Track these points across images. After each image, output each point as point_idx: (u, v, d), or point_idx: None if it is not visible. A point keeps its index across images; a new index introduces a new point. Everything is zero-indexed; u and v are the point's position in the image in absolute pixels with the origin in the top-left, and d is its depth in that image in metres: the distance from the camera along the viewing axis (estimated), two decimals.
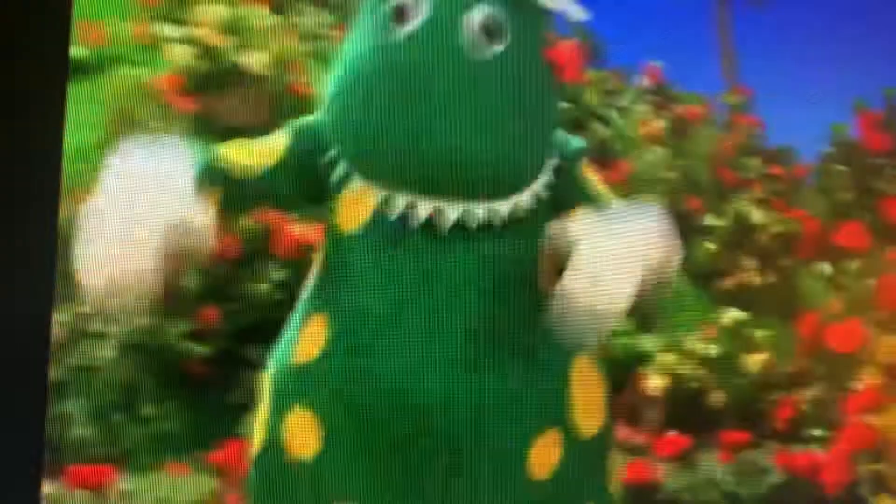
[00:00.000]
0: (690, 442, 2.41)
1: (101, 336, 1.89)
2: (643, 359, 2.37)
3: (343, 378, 1.33)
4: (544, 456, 1.31)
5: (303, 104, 2.06)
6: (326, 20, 2.18)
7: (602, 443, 1.39)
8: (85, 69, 2.12)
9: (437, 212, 1.31)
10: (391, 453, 1.31)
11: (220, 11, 2.16)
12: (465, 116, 1.31)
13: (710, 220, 2.53)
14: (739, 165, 2.60)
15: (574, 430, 1.34)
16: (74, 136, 2.12)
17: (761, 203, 2.58)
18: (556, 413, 1.33)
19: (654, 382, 2.37)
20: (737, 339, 2.50)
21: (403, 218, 1.32)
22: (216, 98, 2.11)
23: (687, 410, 2.42)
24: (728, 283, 2.52)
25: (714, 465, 2.43)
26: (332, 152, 1.35)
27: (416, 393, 1.30)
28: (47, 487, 2.04)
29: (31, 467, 1.87)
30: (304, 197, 1.43)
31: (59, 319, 1.98)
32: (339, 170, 1.35)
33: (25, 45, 1.83)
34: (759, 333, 2.52)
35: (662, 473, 2.39)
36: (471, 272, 1.34)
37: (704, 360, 2.44)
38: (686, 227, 2.54)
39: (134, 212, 1.20)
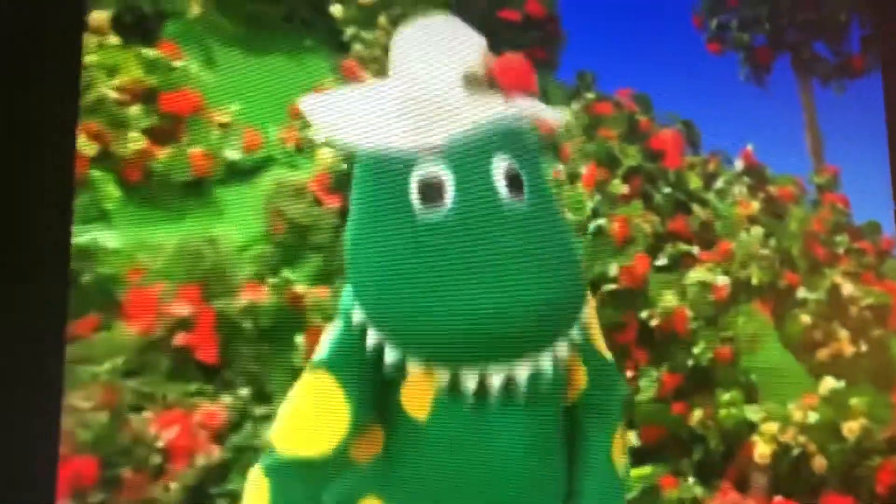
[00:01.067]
0: None
1: (265, 418, 2.03)
2: (750, 428, 2.40)
3: None
4: None
5: None
6: None
7: None
8: (242, 172, 2.28)
9: (507, 379, 1.29)
10: None
11: None
12: (532, 272, 1.29)
13: (804, 293, 2.59)
14: (829, 241, 2.67)
15: None
16: (235, 233, 2.24)
17: (851, 276, 2.67)
18: None
19: (761, 450, 2.40)
20: (834, 406, 2.52)
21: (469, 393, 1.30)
22: None
23: (792, 476, 2.44)
24: (823, 353, 2.57)
25: None
26: (377, 344, 1.31)
27: None
28: None
29: None
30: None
31: (225, 403, 2.14)
32: (392, 358, 1.31)
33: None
34: (855, 401, 2.53)
35: None
36: (526, 435, 1.34)
37: (805, 428, 2.46)
38: (784, 301, 2.65)
39: None
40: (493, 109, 1.35)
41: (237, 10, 2.18)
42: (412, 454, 1.37)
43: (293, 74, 2.30)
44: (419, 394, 1.35)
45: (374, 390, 1.34)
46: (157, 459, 1.95)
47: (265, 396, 2.05)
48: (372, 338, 1.32)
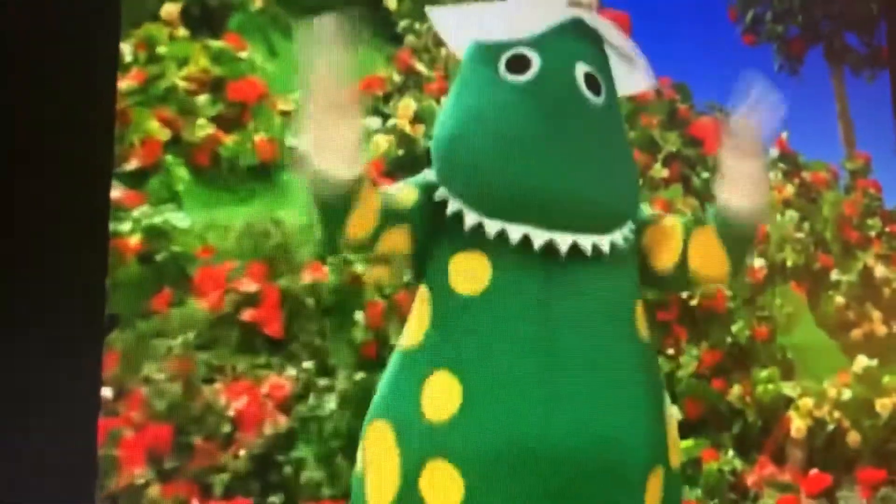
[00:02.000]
0: (832, 480, 2.48)
1: (328, 389, 2.10)
2: (787, 403, 2.45)
3: (487, 434, 1.36)
4: (654, 491, 1.39)
5: None
6: None
7: (681, 476, 1.48)
8: None
9: (551, 243, 1.34)
10: (532, 493, 1.34)
11: (411, 104, 2.38)
12: (593, 157, 1.39)
13: (838, 275, 2.63)
14: (862, 225, 2.70)
15: (669, 466, 1.43)
16: (299, 215, 2.25)
17: (883, 259, 2.72)
18: (662, 453, 1.41)
19: (797, 425, 2.44)
20: (868, 384, 2.58)
21: (519, 261, 1.36)
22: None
23: (827, 450, 2.49)
24: (857, 333, 2.60)
25: (855, 501, 2.49)
26: (451, 200, 1.39)
27: (552, 445, 1.34)
28: None
29: None
30: (418, 249, 1.44)
31: (290, 375, 2.21)
32: (463, 221, 1.37)
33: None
34: (888, 378, 2.58)
35: None
36: (584, 305, 1.38)
37: (840, 404, 2.51)
38: (818, 282, 2.70)
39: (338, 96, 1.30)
40: (589, 17, 1.44)
41: (297, 3, 2.23)
42: (464, 331, 1.40)
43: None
44: (472, 279, 1.41)
45: (432, 229, 1.39)
46: (227, 428, 2.01)
47: (328, 369, 2.11)
48: (440, 194, 1.39)
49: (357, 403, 2.05)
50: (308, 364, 2.11)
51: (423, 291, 1.42)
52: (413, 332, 1.42)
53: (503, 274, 1.39)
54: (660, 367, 1.50)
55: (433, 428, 1.37)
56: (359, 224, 1.40)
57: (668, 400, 1.45)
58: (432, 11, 1.51)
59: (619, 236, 1.39)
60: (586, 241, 1.36)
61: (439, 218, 1.40)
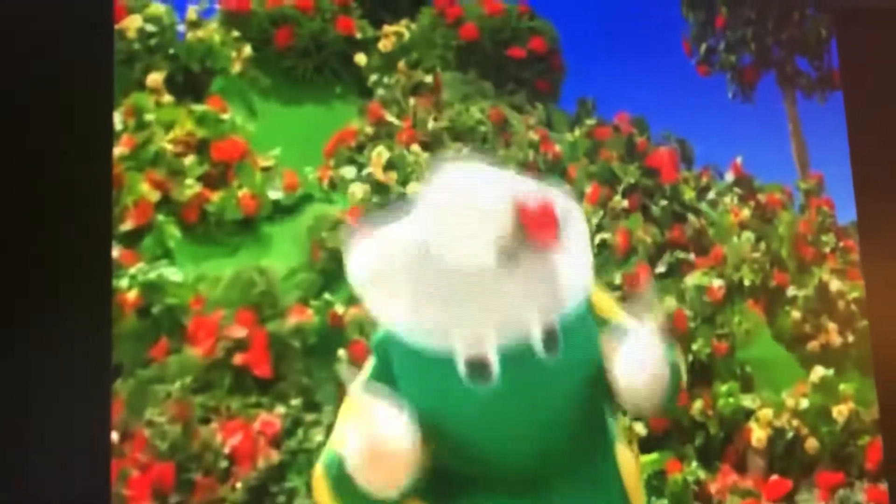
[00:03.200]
0: (792, 485, 2.58)
1: (315, 424, 2.25)
2: (747, 415, 2.56)
3: None
4: None
5: None
6: (464, 151, 2.48)
7: None
8: (285, 209, 2.44)
9: None
10: None
11: (384, 153, 2.49)
12: (539, 437, 1.41)
13: (794, 291, 2.74)
14: (817, 242, 2.81)
15: None
16: (282, 263, 2.41)
17: (838, 273, 2.85)
18: None
19: (758, 435, 2.55)
20: (824, 392, 2.67)
21: None
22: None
23: (787, 457, 2.59)
24: (813, 345, 2.71)
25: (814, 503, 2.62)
26: None
27: None
28: None
29: None
30: None
31: (280, 412, 2.36)
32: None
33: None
34: (843, 386, 2.68)
35: None
36: None
37: (798, 413, 2.61)
38: (775, 299, 2.84)
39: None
40: (532, 297, 1.42)
41: (274, 66, 2.38)
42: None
43: (325, 119, 2.50)
44: None
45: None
46: (224, 463, 2.14)
47: (314, 405, 2.24)
48: None
49: None
50: (296, 401, 2.23)
51: None
52: None
53: None
54: None
55: None
56: None
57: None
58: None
59: None
60: None
61: None
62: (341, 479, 1.41)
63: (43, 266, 2.05)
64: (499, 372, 1.40)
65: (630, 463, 1.55)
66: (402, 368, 1.48)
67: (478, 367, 1.42)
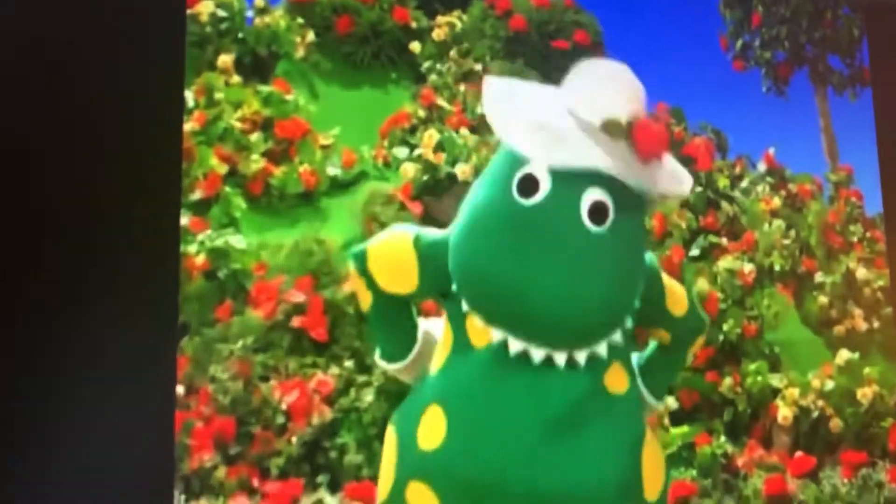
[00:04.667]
0: (816, 462, 2.67)
1: (366, 385, 2.37)
2: (774, 393, 2.64)
3: (462, 469, 1.47)
4: None
5: None
6: None
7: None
8: (342, 184, 2.54)
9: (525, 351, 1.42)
10: None
11: (434, 135, 2.59)
12: (577, 280, 1.42)
13: (822, 277, 2.80)
14: (845, 231, 2.87)
15: (644, 500, 1.51)
16: (338, 234, 2.50)
17: (865, 261, 2.92)
18: (631, 492, 1.49)
19: (784, 413, 2.63)
20: (849, 375, 2.76)
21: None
22: (436, 201, 2.57)
23: (812, 436, 2.67)
24: (839, 329, 2.78)
25: (837, 480, 2.66)
26: (455, 288, 1.47)
27: (517, 482, 1.45)
28: (331, 500, 2.48)
29: None
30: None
31: (334, 373, 2.47)
32: (462, 304, 1.47)
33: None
34: (868, 370, 2.76)
35: (794, 488, 2.63)
36: (556, 398, 1.46)
37: (824, 394, 2.69)
38: (803, 284, 2.91)
39: None
40: (602, 158, 1.46)
41: (334, 51, 2.48)
42: (466, 375, 1.51)
43: (381, 102, 2.58)
44: (482, 335, 1.51)
45: (446, 289, 1.50)
46: (281, 419, 2.26)
47: (366, 367, 2.34)
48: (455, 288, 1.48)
49: (391, 396, 2.27)
50: (349, 363, 2.35)
51: (447, 331, 1.54)
52: (435, 362, 1.55)
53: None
54: (640, 412, 1.58)
55: (421, 454, 1.52)
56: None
57: (647, 440, 1.53)
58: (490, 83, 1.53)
59: (602, 347, 1.48)
60: (560, 357, 1.46)
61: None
62: (364, 270, 1.54)
63: (116, 230, 2.17)
64: (547, 193, 1.45)
65: (652, 443, 1.58)
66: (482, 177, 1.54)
67: (529, 182, 1.46)
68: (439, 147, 2.60)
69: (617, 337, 1.51)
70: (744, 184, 2.82)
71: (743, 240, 2.73)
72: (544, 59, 2.70)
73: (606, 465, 1.49)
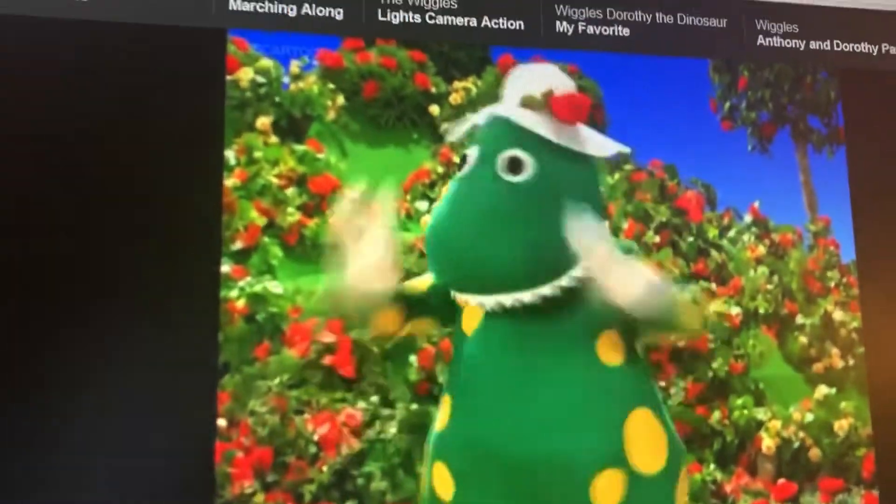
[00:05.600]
0: (797, 488, 2.85)
1: (390, 418, 2.51)
2: (759, 425, 2.83)
3: (464, 444, 1.65)
4: (605, 488, 1.57)
5: None
6: None
7: (665, 479, 1.67)
8: None
9: (492, 304, 1.60)
10: (501, 489, 1.60)
11: None
12: (491, 229, 1.59)
13: (802, 319, 2.99)
14: (823, 277, 3.05)
15: (633, 469, 1.62)
16: None
17: (841, 305, 3.02)
18: (616, 457, 1.60)
19: (767, 443, 2.83)
20: (827, 409, 2.92)
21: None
22: None
23: (793, 464, 2.86)
24: (818, 366, 2.95)
25: None
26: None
27: (512, 454, 1.59)
28: None
29: None
30: (446, 316, 1.76)
31: (361, 407, 2.65)
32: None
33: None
34: (843, 404, 2.92)
35: None
36: (548, 341, 1.61)
37: (804, 426, 2.88)
38: (785, 326, 3.11)
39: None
40: (509, 109, 1.70)
41: (362, 114, 2.64)
42: (462, 363, 1.68)
43: (404, 160, 2.72)
44: (472, 321, 1.70)
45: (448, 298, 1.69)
46: (313, 449, 2.43)
47: (390, 402, 2.51)
48: None
49: (413, 429, 2.46)
50: (374, 398, 2.51)
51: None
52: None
53: (489, 315, 1.69)
54: (636, 383, 1.69)
55: (437, 436, 1.71)
56: (384, 323, 1.78)
57: (640, 413, 1.63)
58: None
59: (549, 289, 1.61)
60: (507, 299, 1.62)
61: None
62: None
63: (161, 278, 2.36)
64: (474, 161, 1.67)
65: (647, 417, 1.66)
66: None
67: (464, 156, 1.70)
68: None
69: (566, 281, 1.61)
70: (731, 233, 2.98)
71: (730, 285, 2.91)
72: None
73: (581, 431, 1.59)
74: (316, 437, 2.46)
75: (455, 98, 2.77)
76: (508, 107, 1.79)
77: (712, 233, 2.98)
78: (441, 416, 1.72)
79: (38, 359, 2.13)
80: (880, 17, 2.88)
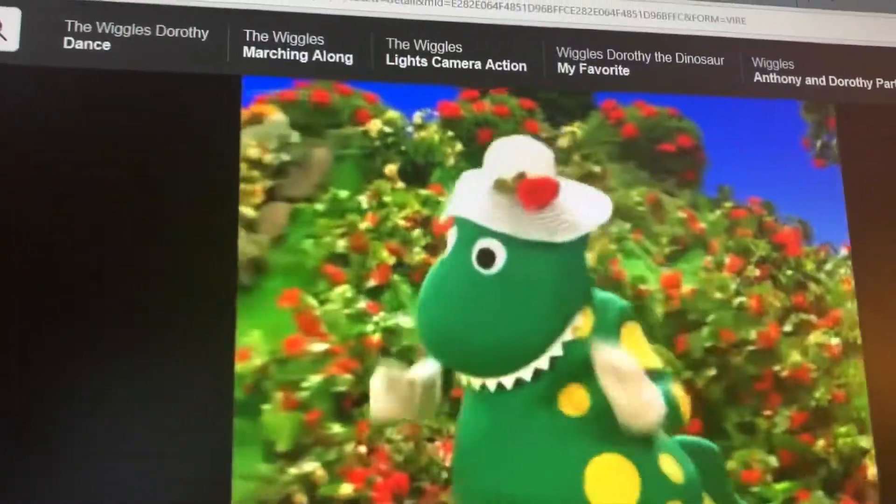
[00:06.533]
0: None
1: None
2: (863, 453, 2.88)
3: (455, 481, 1.94)
4: None
5: (617, 285, 2.76)
6: (625, 228, 2.82)
7: None
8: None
9: (477, 384, 1.82)
10: None
11: None
12: (466, 321, 1.73)
13: None
14: None
15: None
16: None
17: None
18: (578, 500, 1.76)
19: (871, 471, 2.88)
20: None
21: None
22: None
23: None
24: None
25: None
26: None
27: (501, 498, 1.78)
28: None
29: None
30: None
31: None
32: None
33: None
34: None
35: None
36: (507, 409, 1.80)
37: None
38: None
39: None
40: (482, 210, 1.81)
41: (478, 158, 2.69)
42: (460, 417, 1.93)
43: None
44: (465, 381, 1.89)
45: None
46: (444, 475, 2.54)
47: None
48: None
49: None
50: None
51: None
52: None
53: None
54: (601, 430, 1.77)
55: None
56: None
57: (611, 456, 1.76)
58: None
59: (526, 372, 1.76)
60: (490, 383, 1.82)
61: None
62: None
63: (176, 314, 2.32)
64: (451, 250, 1.83)
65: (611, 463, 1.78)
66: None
67: (447, 242, 1.83)
68: None
69: (542, 364, 1.74)
70: (828, 267, 3.03)
71: (829, 316, 2.96)
72: (653, 161, 2.99)
73: (543, 479, 1.74)
74: (447, 463, 2.57)
75: (562, 141, 2.89)
76: (472, 205, 1.91)
77: (810, 266, 3.06)
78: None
79: (83, 403, 2.13)
80: (875, 52, 2.94)
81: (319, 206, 2.64)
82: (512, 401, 1.82)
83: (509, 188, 1.86)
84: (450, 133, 2.81)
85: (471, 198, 1.93)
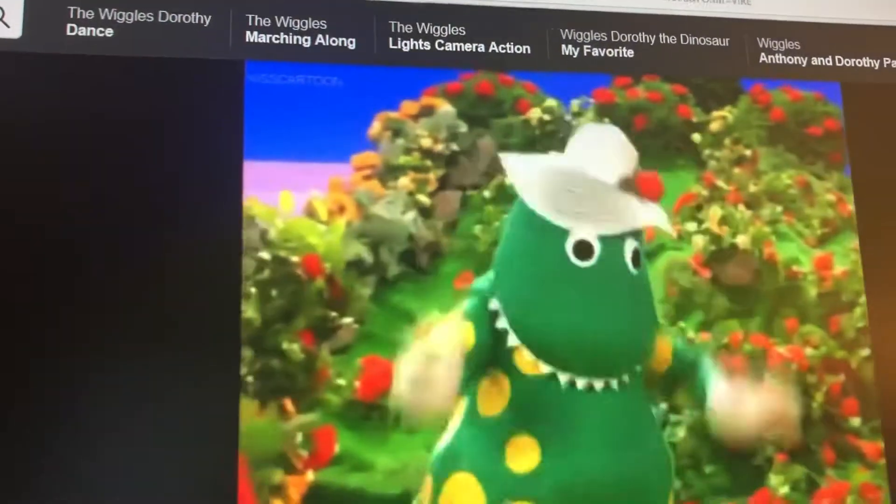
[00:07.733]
0: None
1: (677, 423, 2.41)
2: None
3: (557, 483, 1.72)
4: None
5: (771, 266, 2.79)
6: (777, 211, 2.85)
7: None
8: (649, 254, 2.46)
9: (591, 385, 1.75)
10: None
11: (718, 211, 2.84)
12: (631, 317, 1.78)
13: None
14: None
15: None
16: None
17: None
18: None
19: None
20: None
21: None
22: (722, 267, 2.80)
23: None
24: None
25: None
26: (505, 327, 1.78)
27: (598, 488, 1.71)
28: None
29: None
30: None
31: None
32: (512, 340, 1.78)
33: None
34: None
35: None
36: (616, 417, 1.77)
37: None
38: None
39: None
40: (635, 216, 1.86)
41: (633, 144, 2.50)
42: (537, 404, 1.76)
43: (672, 185, 2.81)
44: (534, 364, 1.78)
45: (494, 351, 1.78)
46: None
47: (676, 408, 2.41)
48: (501, 323, 1.81)
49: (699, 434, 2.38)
50: (663, 405, 2.37)
51: (496, 373, 1.81)
52: (492, 404, 1.81)
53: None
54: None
55: (516, 477, 1.75)
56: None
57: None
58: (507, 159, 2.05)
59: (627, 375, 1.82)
60: (614, 382, 1.79)
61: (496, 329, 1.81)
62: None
63: (183, 326, 2.10)
64: (599, 254, 1.78)
65: None
66: (515, 238, 1.87)
67: (584, 248, 1.78)
68: (723, 221, 2.87)
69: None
70: None
71: None
72: (800, 144, 2.96)
73: (659, 463, 1.84)
74: None
75: (714, 126, 2.92)
76: (649, 212, 1.98)
77: None
78: (520, 457, 1.80)
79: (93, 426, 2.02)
80: (881, 31, 2.83)
81: (487, 193, 2.71)
82: (613, 398, 1.83)
83: (632, 186, 1.92)
84: (606, 119, 2.83)
85: (606, 203, 1.91)
